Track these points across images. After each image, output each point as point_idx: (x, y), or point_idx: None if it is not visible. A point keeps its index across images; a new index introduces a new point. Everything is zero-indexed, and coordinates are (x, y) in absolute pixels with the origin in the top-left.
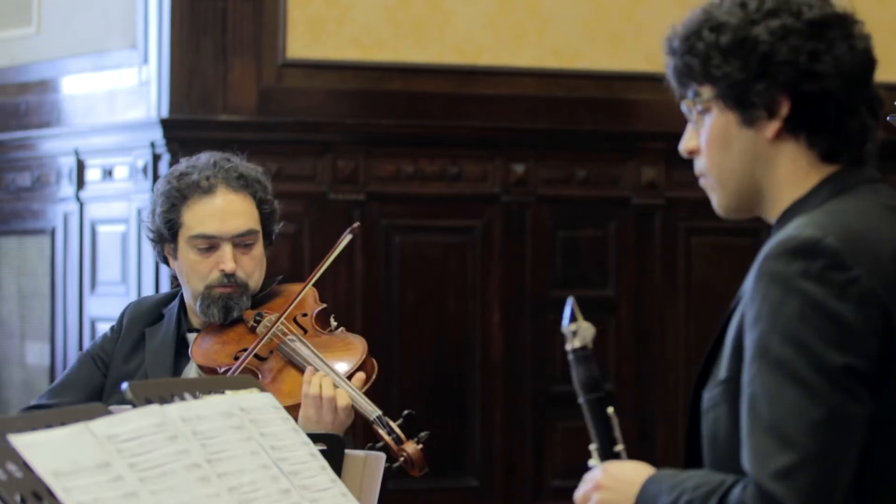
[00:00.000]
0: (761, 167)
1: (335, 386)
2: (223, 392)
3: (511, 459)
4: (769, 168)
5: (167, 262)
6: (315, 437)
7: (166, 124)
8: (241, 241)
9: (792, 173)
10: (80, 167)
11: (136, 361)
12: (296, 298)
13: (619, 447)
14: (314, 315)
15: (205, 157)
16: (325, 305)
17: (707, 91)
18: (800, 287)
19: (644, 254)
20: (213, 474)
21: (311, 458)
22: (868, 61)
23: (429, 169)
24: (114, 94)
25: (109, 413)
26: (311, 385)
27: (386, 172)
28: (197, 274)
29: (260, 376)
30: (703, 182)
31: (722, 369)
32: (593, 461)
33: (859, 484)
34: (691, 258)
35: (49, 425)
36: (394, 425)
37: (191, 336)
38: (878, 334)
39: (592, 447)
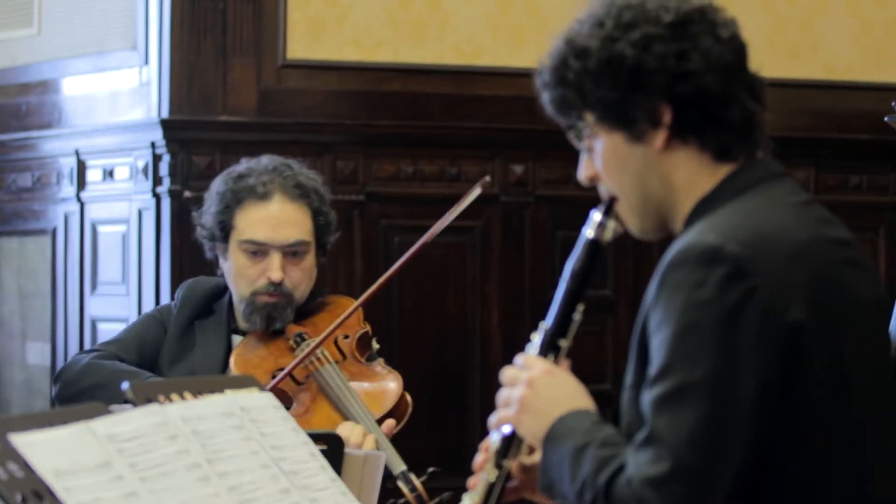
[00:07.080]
0: (659, 179)
1: (365, 433)
2: (223, 392)
3: None
4: (667, 178)
5: (216, 262)
6: (315, 437)
7: (167, 125)
8: (290, 251)
9: (690, 179)
10: (81, 168)
11: (186, 349)
12: (339, 322)
13: (564, 343)
14: (356, 339)
15: (265, 161)
16: (367, 328)
17: (589, 117)
18: (700, 298)
19: (643, 254)
20: (214, 474)
21: (311, 458)
22: (738, 46)
23: (428, 169)
24: (114, 94)
25: (110, 413)
26: (342, 428)
27: (386, 173)
28: (244, 278)
29: (294, 403)
30: (617, 207)
31: (628, 374)
32: (535, 338)
33: (759, 493)
34: None
35: (50, 425)
36: (417, 483)
37: (236, 338)
38: (778, 343)
39: (541, 329)
